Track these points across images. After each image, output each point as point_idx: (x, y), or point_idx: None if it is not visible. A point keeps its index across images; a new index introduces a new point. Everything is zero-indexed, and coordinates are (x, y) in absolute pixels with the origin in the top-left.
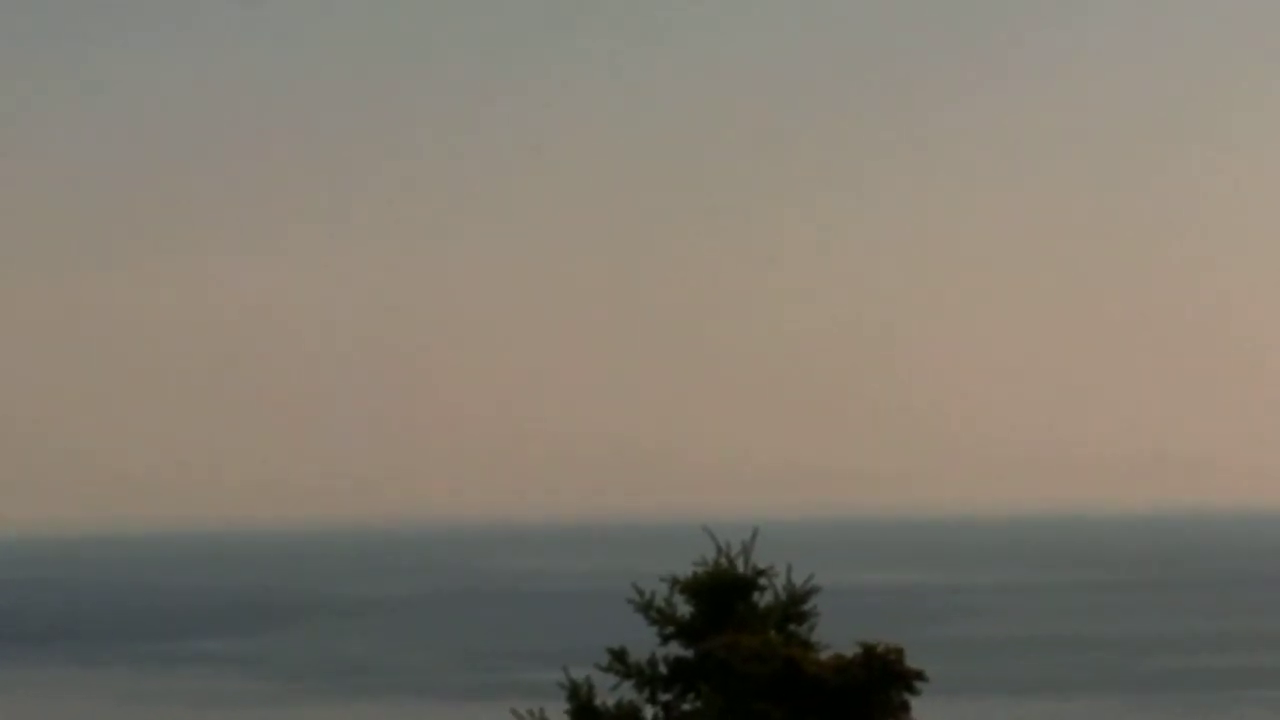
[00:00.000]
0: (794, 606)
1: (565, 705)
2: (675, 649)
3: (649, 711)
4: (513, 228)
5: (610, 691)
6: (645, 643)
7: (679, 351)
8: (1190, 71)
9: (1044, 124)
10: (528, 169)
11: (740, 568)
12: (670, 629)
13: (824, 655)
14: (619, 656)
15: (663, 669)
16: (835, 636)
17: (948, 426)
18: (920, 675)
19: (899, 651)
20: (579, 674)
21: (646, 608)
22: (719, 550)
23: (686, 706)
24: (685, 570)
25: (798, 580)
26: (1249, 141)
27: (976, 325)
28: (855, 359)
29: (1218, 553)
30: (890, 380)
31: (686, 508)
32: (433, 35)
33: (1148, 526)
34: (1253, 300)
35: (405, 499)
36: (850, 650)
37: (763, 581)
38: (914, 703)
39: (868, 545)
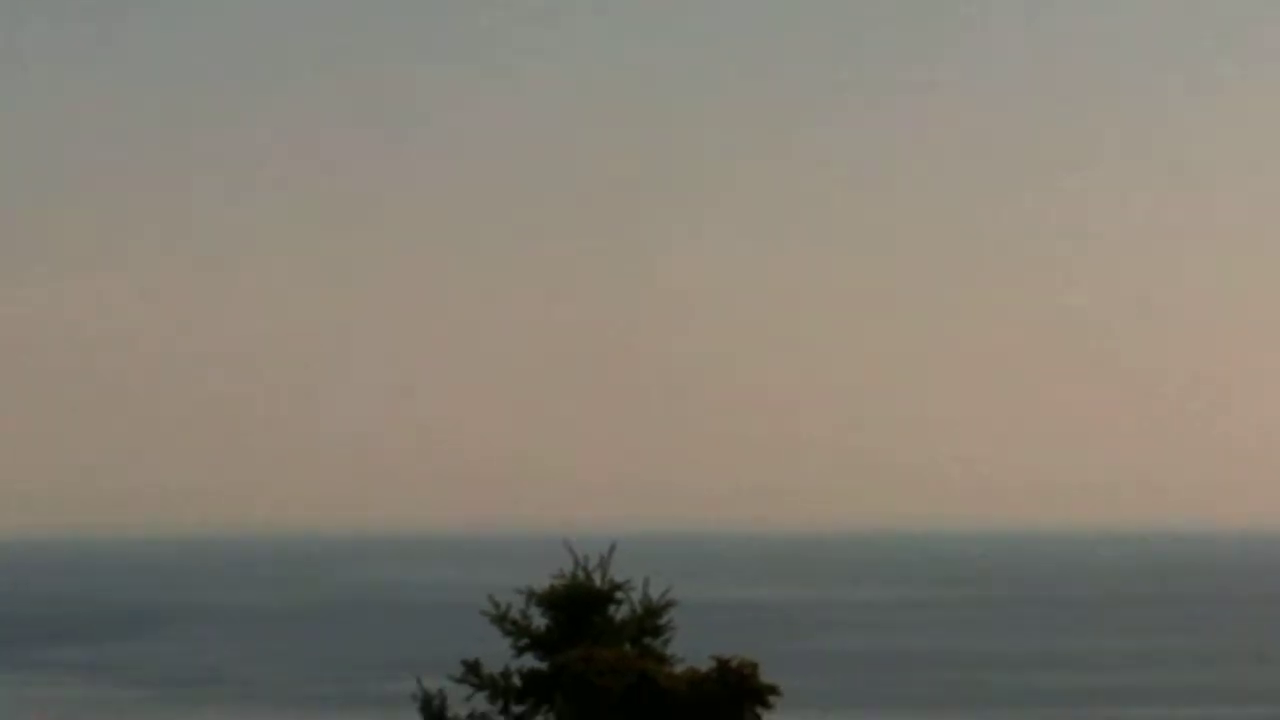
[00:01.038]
0: (650, 620)
1: (418, 717)
2: (530, 661)
3: None
4: (375, 230)
5: (463, 703)
6: (501, 655)
7: (543, 363)
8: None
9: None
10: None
11: (597, 581)
12: (525, 641)
13: (679, 669)
14: (472, 668)
15: (516, 681)
16: (691, 650)
17: (803, 444)
18: (774, 690)
19: (753, 666)
20: (433, 685)
21: (501, 620)
22: (576, 563)
23: (540, 718)
24: (543, 583)
25: (654, 594)
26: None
27: (827, 343)
28: (719, 380)
29: (1069, 570)
30: (745, 400)
31: (546, 522)
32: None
33: (1006, 543)
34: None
35: (264, 509)
36: (705, 664)
37: (619, 595)
38: (767, 717)
39: (725, 560)
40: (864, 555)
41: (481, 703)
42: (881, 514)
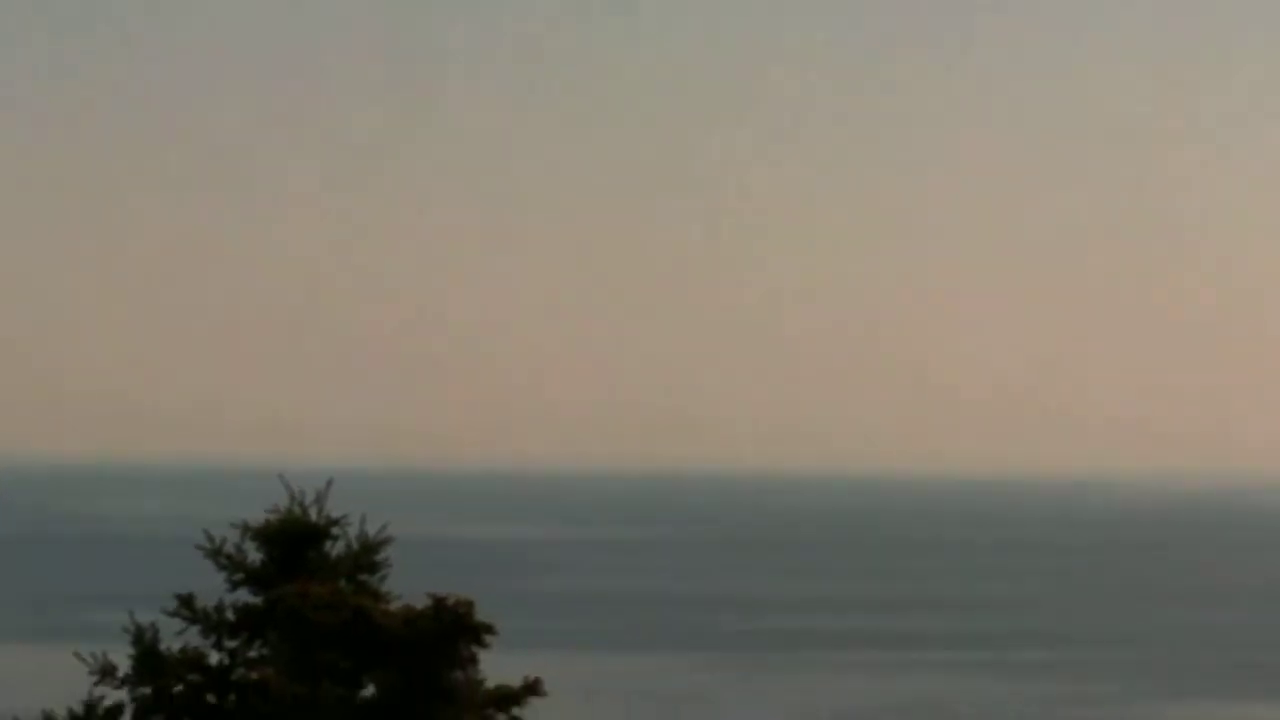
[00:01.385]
0: (366, 556)
1: (130, 650)
2: (245, 596)
3: (215, 658)
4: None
5: (177, 637)
6: (216, 589)
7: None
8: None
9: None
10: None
11: (313, 516)
12: (239, 576)
13: (394, 606)
14: (186, 602)
15: (230, 615)
16: (408, 588)
17: (533, 384)
18: (489, 628)
19: (469, 604)
20: (145, 618)
21: (216, 554)
22: (292, 498)
23: (254, 654)
24: (258, 518)
25: (371, 530)
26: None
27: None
28: (455, 324)
29: (818, 515)
30: (478, 338)
31: (267, 456)
32: None
33: (753, 487)
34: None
35: None
36: (421, 602)
37: (335, 531)
38: (483, 656)
39: (445, 498)
40: (596, 495)
41: (195, 637)
42: (618, 454)
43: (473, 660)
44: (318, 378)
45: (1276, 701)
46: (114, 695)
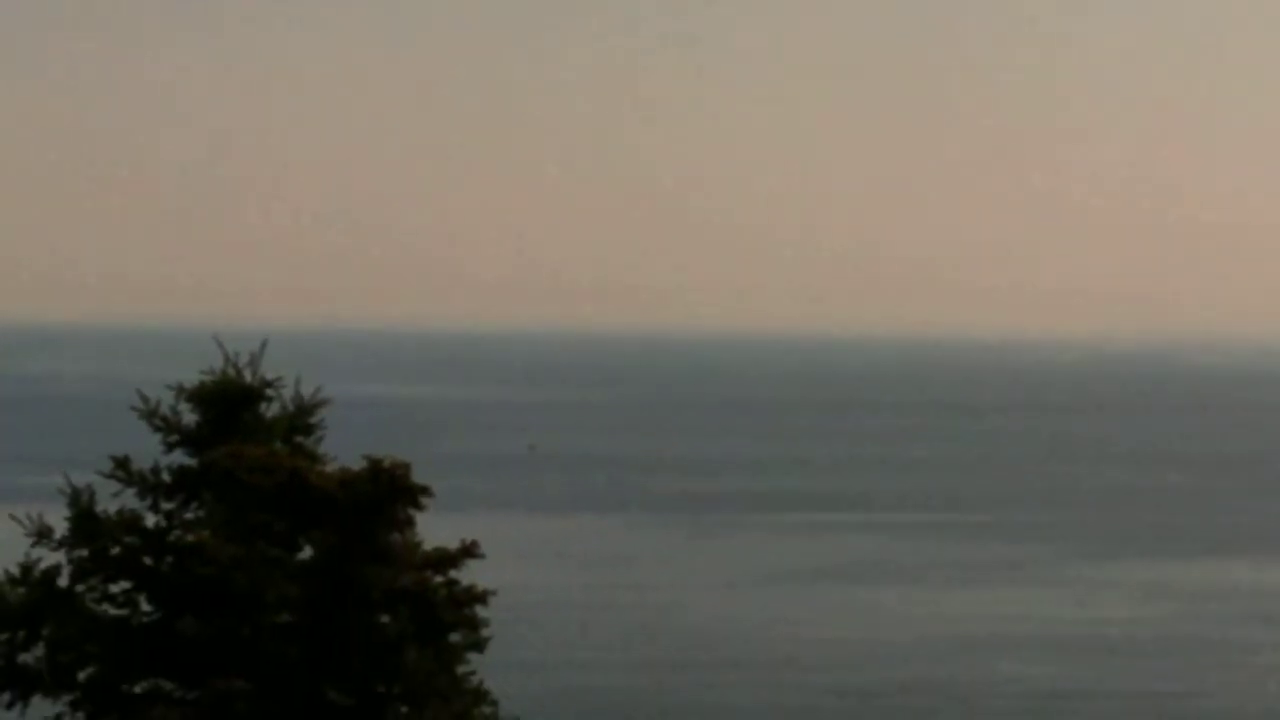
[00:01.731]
0: (301, 418)
1: (66, 512)
2: (180, 458)
3: (151, 520)
4: None
5: (113, 499)
6: (152, 452)
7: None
8: None
9: None
10: None
11: (248, 378)
12: (175, 438)
13: (330, 468)
14: (121, 464)
15: (166, 477)
16: (343, 449)
17: (460, 246)
18: (426, 490)
19: (405, 466)
20: (81, 481)
21: (151, 415)
22: (227, 360)
23: (189, 515)
24: (193, 379)
25: (306, 392)
26: None
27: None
28: (386, 172)
29: (753, 376)
30: (404, 197)
31: (200, 318)
32: None
33: (687, 348)
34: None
35: None
36: (357, 463)
37: (270, 392)
38: (420, 518)
39: (380, 360)
40: (531, 357)
41: (131, 499)
42: (547, 316)
43: (409, 522)
44: (250, 239)
45: (1205, 562)
46: (51, 557)
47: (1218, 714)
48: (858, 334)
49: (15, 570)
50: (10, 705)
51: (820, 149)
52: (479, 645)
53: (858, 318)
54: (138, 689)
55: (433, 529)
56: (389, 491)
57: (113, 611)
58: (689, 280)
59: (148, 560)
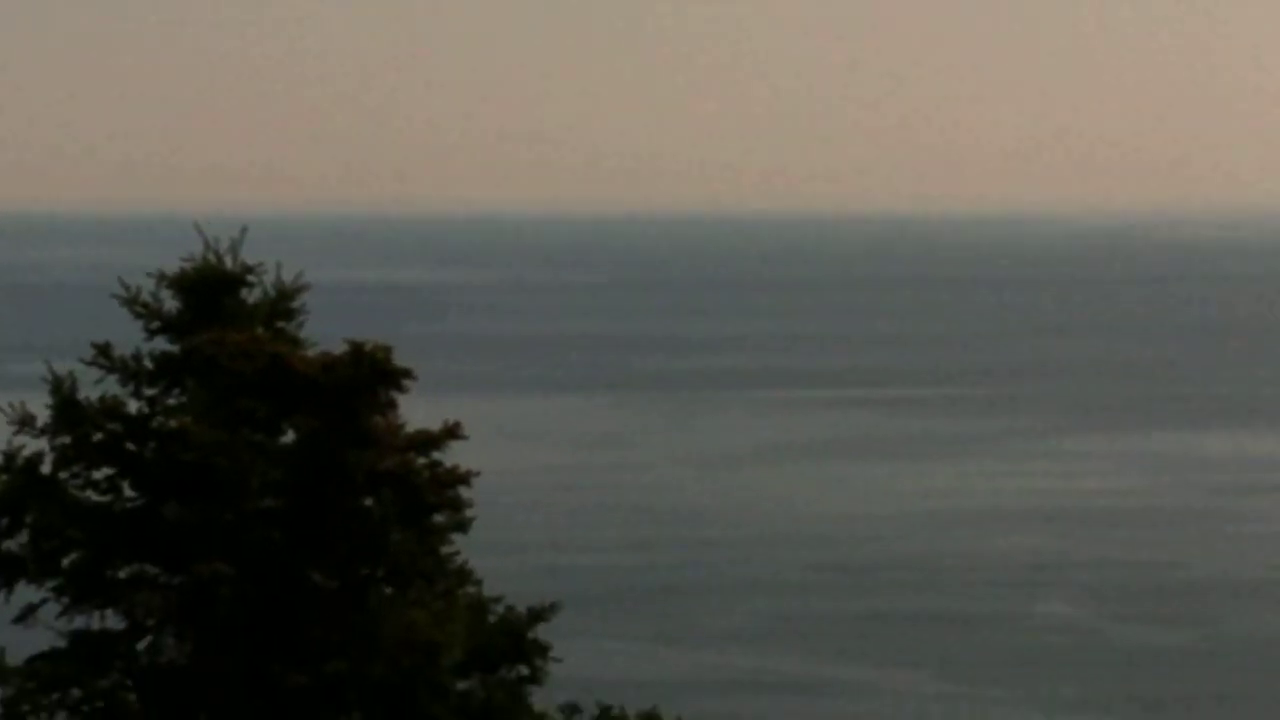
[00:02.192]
0: (282, 303)
1: (48, 399)
2: (162, 344)
3: (134, 406)
4: None
5: (94, 385)
6: (134, 338)
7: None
8: None
9: None
10: None
11: (229, 264)
12: (156, 324)
13: (312, 353)
14: (103, 350)
15: (148, 364)
16: (325, 334)
17: (443, 127)
18: (408, 373)
19: (386, 349)
20: (63, 368)
21: (132, 302)
22: (207, 246)
23: (172, 402)
24: (173, 266)
25: (287, 277)
26: None
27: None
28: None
29: (731, 254)
30: (355, 80)
31: (181, 205)
32: None
33: (667, 228)
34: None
35: None
36: (339, 348)
37: (251, 278)
38: (402, 400)
39: (360, 244)
40: (512, 239)
41: (113, 386)
42: (528, 198)
43: (391, 405)
44: (228, 125)
45: (1189, 433)
46: (33, 444)
47: (1203, 582)
48: (859, 211)
49: None
50: None
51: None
52: (463, 526)
53: (863, 196)
54: (121, 574)
55: (416, 411)
56: (371, 375)
57: (95, 498)
58: (704, 161)
59: (130, 446)
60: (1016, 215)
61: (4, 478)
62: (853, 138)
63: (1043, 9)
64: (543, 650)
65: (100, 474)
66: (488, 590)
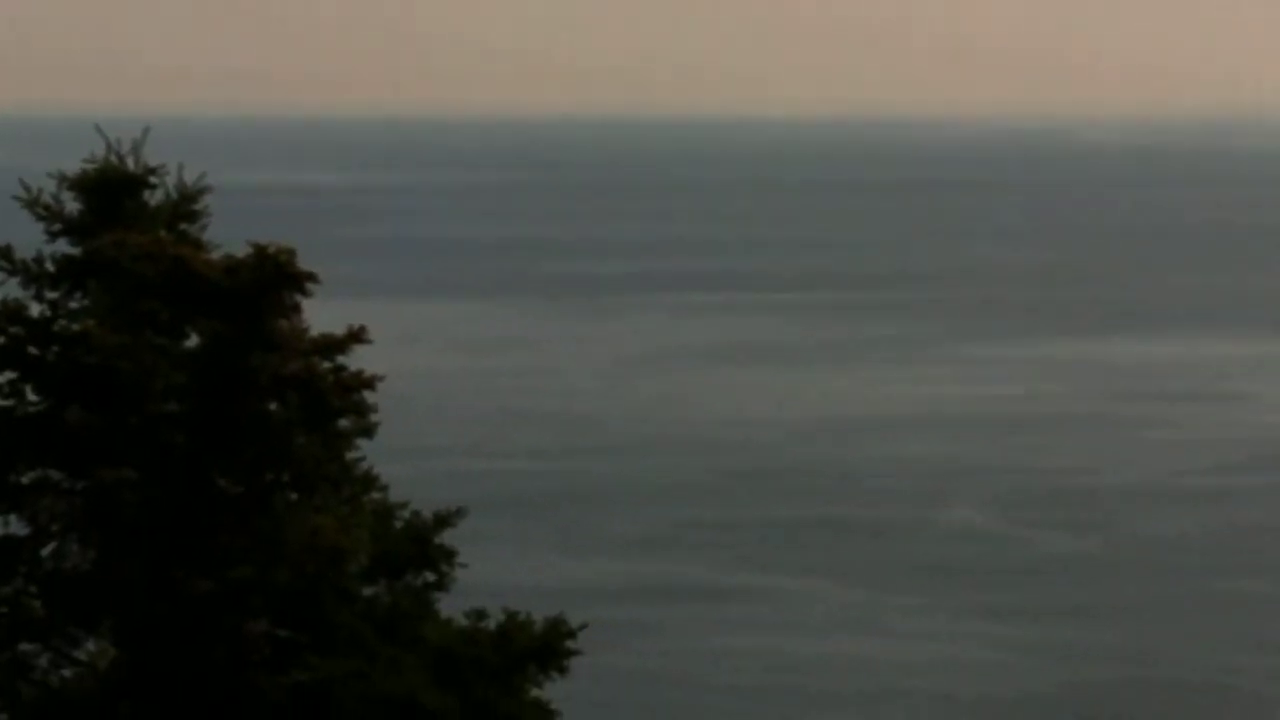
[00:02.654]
0: (185, 205)
1: None
2: (63, 247)
3: (35, 309)
4: None
5: None
6: (35, 241)
7: None
8: None
9: None
10: None
11: (130, 165)
12: (58, 226)
13: (215, 255)
14: (4, 253)
15: (50, 267)
16: (228, 237)
17: (345, 30)
18: (312, 277)
19: (290, 252)
20: None
21: (33, 204)
22: (109, 147)
23: (74, 304)
24: (75, 167)
25: (189, 179)
26: None
27: None
28: None
29: (640, 157)
30: None
31: (81, 105)
32: None
33: (584, 130)
34: None
35: None
36: (242, 251)
37: (153, 180)
38: (307, 304)
39: (262, 146)
40: (412, 141)
41: (14, 289)
42: (440, 100)
43: (296, 308)
44: (132, 21)
45: (1092, 339)
46: None
47: (1107, 489)
48: (776, 115)
49: None
50: None
51: None
52: (368, 431)
53: (782, 100)
54: (25, 480)
55: (320, 316)
56: (274, 277)
57: None
58: (672, 62)
59: (33, 350)
60: (929, 119)
61: None
62: (776, 40)
63: None
64: (448, 556)
65: (2, 378)
66: (393, 496)
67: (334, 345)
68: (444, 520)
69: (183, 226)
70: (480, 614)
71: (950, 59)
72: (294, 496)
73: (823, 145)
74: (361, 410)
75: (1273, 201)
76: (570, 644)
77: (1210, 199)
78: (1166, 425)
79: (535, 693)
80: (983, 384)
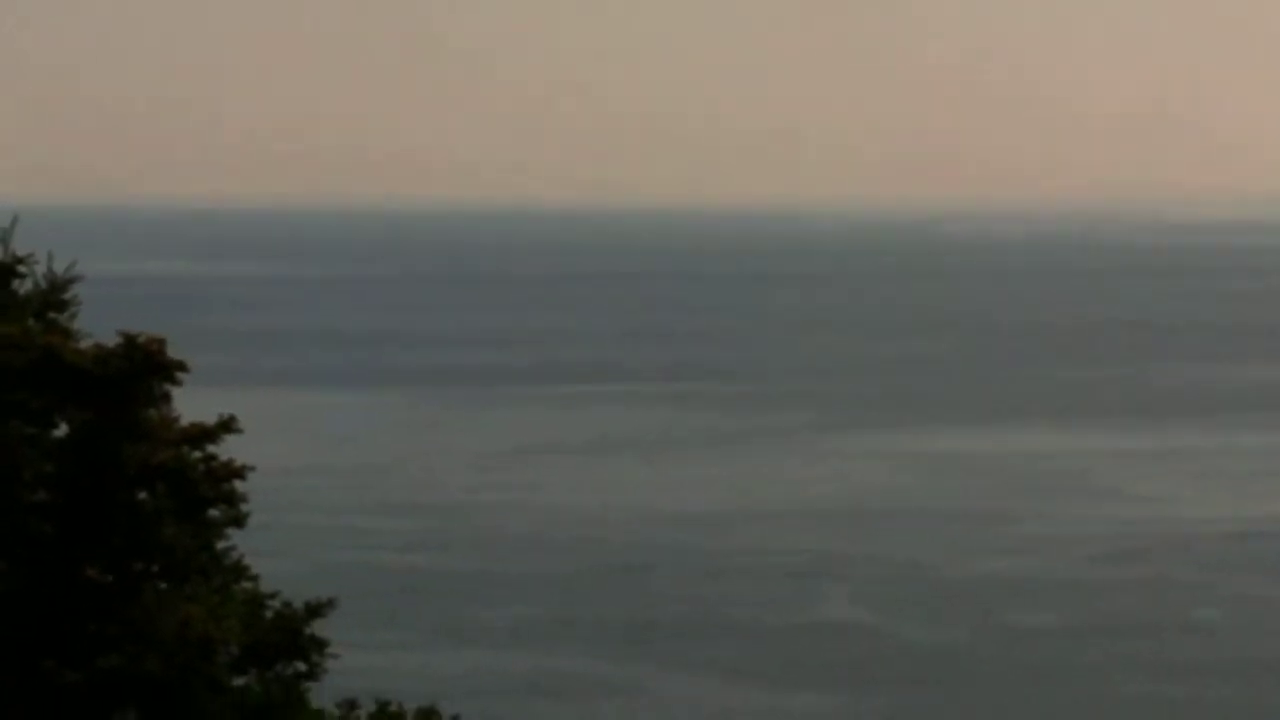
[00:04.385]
0: (55, 294)
1: None
2: None
3: None
4: None
5: None
6: None
7: None
8: None
9: None
10: None
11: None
12: None
13: (85, 345)
14: None
15: None
16: (100, 326)
17: (214, 124)
18: (182, 366)
19: (161, 341)
20: None
21: None
22: None
23: None
24: None
25: (59, 269)
26: None
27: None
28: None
29: (514, 248)
30: (158, 80)
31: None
32: None
33: (439, 221)
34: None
35: None
36: (112, 340)
37: (22, 269)
38: (176, 393)
39: (136, 236)
40: (278, 232)
41: None
42: (303, 192)
43: (166, 398)
44: (5, 116)
45: (962, 431)
46: None
47: (983, 577)
48: (640, 206)
49: None
50: None
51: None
52: (239, 520)
53: (641, 189)
54: None
55: (190, 405)
56: (144, 367)
57: None
58: (489, 156)
59: None
60: (795, 210)
61: None
62: (666, 137)
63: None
64: (320, 646)
65: None
66: (264, 586)
67: (204, 434)
68: (315, 610)
69: (52, 315)
70: (352, 704)
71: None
72: (164, 586)
73: (663, 235)
74: (232, 500)
75: (1130, 295)
76: None
77: (1071, 291)
78: (1030, 518)
79: None
80: (849, 476)
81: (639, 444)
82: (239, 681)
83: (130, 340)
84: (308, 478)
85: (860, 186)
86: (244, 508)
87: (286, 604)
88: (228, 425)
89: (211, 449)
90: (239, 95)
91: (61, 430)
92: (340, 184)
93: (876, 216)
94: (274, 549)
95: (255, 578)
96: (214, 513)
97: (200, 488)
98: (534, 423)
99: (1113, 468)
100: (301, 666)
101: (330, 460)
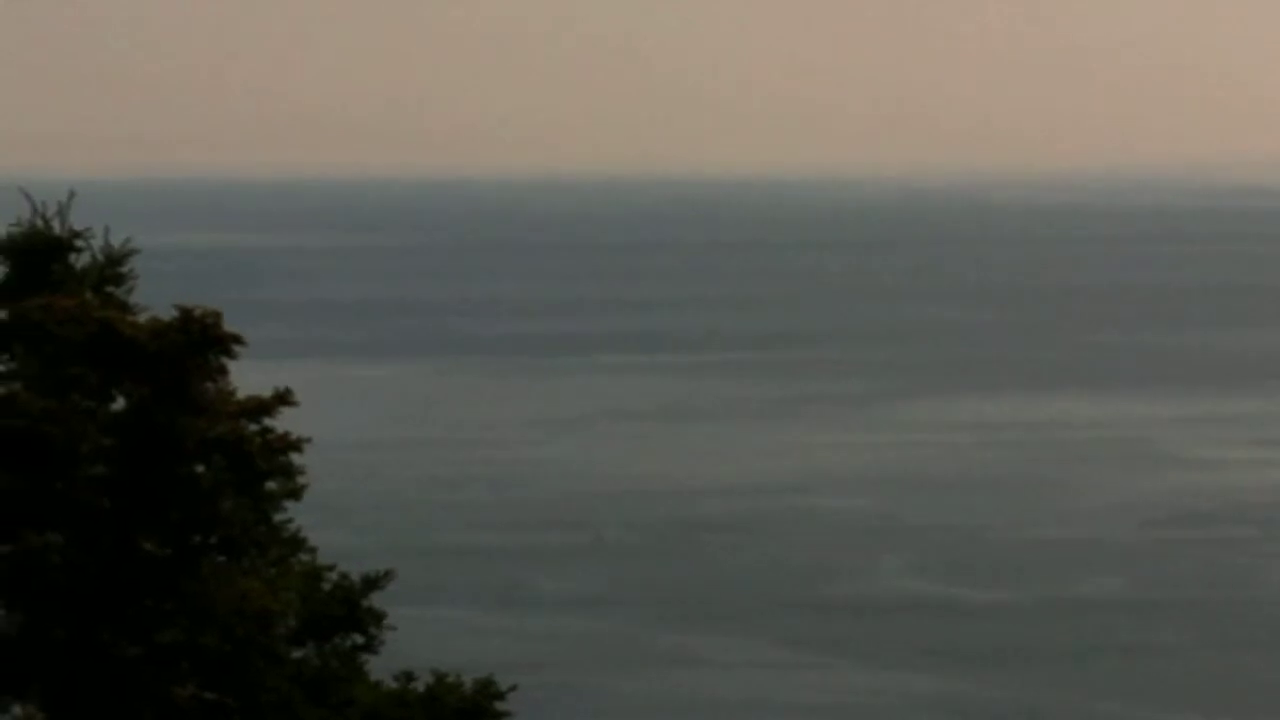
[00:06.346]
0: (111, 268)
1: None
2: None
3: None
4: None
5: None
6: None
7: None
8: None
9: None
10: None
11: (56, 229)
12: None
13: (142, 318)
14: None
15: None
16: (155, 300)
17: (275, 91)
18: (238, 339)
19: (216, 315)
20: None
21: None
22: (34, 210)
23: (0, 368)
24: (1, 232)
25: (116, 242)
26: None
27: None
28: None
29: (558, 218)
30: (194, 50)
31: (7, 169)
32: None
33: (492, 191)
34: None
35: None
36: (168, 313)
37: (79, 243)
38: (233, 366)
39: (190, 208)
40: (339, 203)
41: None
42: (357, 162)
43: (222, 371)
44: (60, 90)
45: (1023, 397)
46: None
47: (1044, 545)
48: (684, 175)
49: None
50: None
51: None
52: (295, 493)
53: (687, 159)
54: None
55: (247, 378)
56: (201, 340)
57: None
58: (517, 122)
59: None
60: (844, 179)
61: None
62: (700, 104)
63: None
64: (377, 618)
65: None
66: (321, 558)
67: (261, 407)
68: (373, 582)
69: (109, 289)
70: (409, 676)
71: (832, 119)
72: (222, 559)
73: (726, 205)
74: (289, 472)
75: (1195, 260)
76: (499, 705)
77: (1120, 256)
78: (1091, 485)
79: None
80: (904, 443)
81: (696, 412)
82: (297, 654)
83: (186, 313)
84: (364, 450)
85: (904, 153)
86: (301, 480)
87: (344, 576)
88: (284, 398)
89: (268, 421)
90: (284, 65)
91: (119, 404)
92: (390, 154)
93: (922, 184)
94: (332, 521)
95: (313, 550)
96: (271, 485)
97: (257, 461)
98: (591, 392)
99: (1174, 433)
100: (359, 639)
101: (388, 431)
